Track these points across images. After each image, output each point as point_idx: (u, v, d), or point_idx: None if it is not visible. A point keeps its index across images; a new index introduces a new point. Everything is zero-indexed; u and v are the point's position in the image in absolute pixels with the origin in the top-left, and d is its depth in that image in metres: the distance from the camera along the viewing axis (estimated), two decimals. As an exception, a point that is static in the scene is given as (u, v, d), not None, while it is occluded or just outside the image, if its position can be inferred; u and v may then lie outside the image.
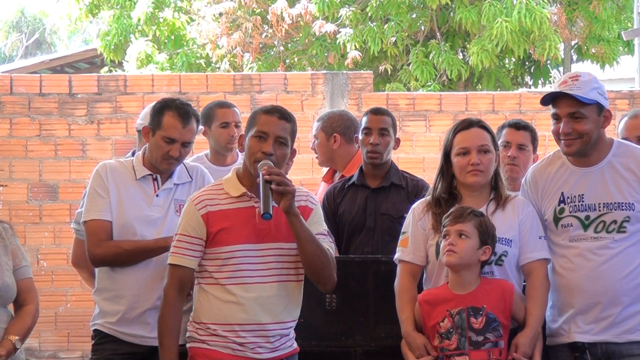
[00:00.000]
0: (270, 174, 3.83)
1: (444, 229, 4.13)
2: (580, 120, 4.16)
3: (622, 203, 4.18)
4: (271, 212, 3.81)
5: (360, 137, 5.37)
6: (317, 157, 6.00)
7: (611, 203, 4.19)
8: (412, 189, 5.27)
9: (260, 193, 3.84)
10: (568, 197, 4.24)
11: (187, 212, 4.02)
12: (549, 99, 4.23)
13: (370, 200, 5.27)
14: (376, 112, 5.40)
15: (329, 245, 4.05)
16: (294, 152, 4.12)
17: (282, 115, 4.00)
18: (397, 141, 5.42)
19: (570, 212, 4.23)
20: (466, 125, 4.32)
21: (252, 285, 3.95)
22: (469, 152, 4.25)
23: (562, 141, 4.20)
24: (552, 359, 4.25)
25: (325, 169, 6.17)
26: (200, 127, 4.95)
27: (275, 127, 3.96)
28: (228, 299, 3.95)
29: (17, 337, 4.30)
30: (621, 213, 4.17)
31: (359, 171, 5.39)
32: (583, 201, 4.21)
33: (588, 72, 4.33)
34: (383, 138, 5.30)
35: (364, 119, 5.37)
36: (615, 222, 4.18)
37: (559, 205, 4.26)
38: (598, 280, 4.15)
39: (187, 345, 4.04)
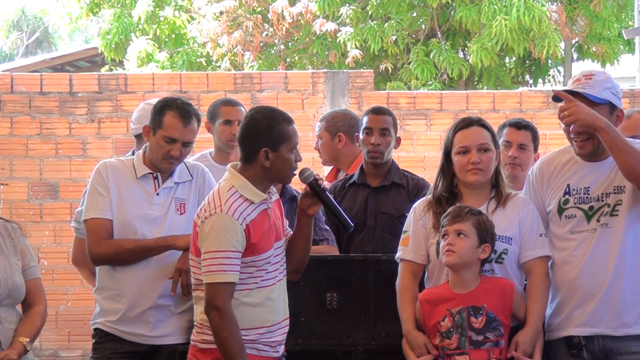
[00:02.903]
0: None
1: (443, 229, 4.13)
2: None
3: (617, 186, 4.16)
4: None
5: (361, 136, 5.36)
6: (320, 157, 5.98)
7: (609, 191, 4.17)
8: (412, 188, 5.26)
9: (330, 206, 4.03)
10: (574, 189, 4.23)
11: (228, 227, 3.85)
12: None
13: (371, 199, 5.27)
14: (377, 111, 5.38)
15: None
16: None
17: (293, 121, 4.05)
18: (398, 140, 5.42)
19: (575, 204, 4.22)
20: (466, 124, 4.33)
21: (275, 286, 3.99)
22: (469, 150, 4.25)
23: (574, 142, 4.18)
24: (550, 355, 4.25)
25: (327, 168, 6.16)
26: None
27: (297, 135, 4.04)
28: (258, 302, 3.94)
29: (27, 339, 4.28)
30: (615, 197, 4.16)
31: (360, 170, 5.38)
32: (588, 194, 4.20)
33: (603, 71, 4.30)
34: (384, 138, 5.29)
35: (365, 119, 5.36)
36: (608, 205, 4.17)
37: (563, 196, 4.24)
38: (595, 273, 4.15)
39: (203, 346, 3.95)
